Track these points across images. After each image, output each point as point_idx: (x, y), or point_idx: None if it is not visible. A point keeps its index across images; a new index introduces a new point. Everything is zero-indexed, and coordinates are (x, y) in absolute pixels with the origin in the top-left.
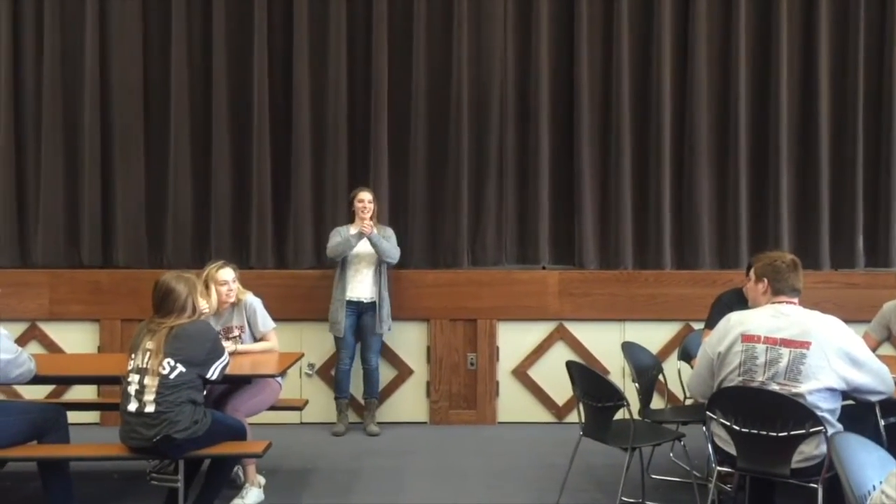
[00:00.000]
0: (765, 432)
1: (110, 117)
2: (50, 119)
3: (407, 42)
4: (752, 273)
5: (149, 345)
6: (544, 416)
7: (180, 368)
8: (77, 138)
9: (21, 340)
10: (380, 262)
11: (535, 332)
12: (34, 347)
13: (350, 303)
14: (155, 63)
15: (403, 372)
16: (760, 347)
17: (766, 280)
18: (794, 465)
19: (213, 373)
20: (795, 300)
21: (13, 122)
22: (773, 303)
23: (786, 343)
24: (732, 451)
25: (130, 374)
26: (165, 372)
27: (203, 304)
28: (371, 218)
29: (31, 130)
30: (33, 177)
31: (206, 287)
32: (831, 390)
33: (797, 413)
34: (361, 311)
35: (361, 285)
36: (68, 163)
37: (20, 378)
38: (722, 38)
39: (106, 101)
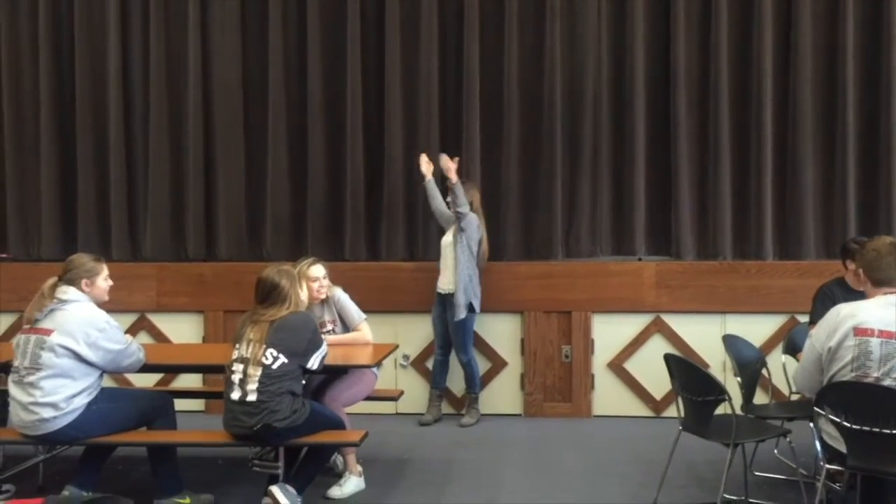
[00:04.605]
0: (878, 429)
1: (212, 118)
2: (156, 121)
3: (499, 32)
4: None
5: (252, 335)
6: (641, 410)
7: (283, 359)
8: (181, 139)
9: (131, 331)
10: (456, 251)
11: (632, 325)
12: (143, 337)
13: (437, 294)
14: (253, 65)
15: (497, 364)
16: (875, 342)
17: (861, 272)
18: None
19: (314, 362)
20: None
21: (123, 126)
22: (887, 293)
23: None
24: (842, 448)
25: (234, 364)
26: (268, 362)
27: (304, 296)
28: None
29: (139, 132)
30: (142, 176)
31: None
32: None
33: None
34: (444, 304)
35: (443, 276)
36: (174, 163)
37: (130, 367)
38: (827, 19)
39: (208, 103)
